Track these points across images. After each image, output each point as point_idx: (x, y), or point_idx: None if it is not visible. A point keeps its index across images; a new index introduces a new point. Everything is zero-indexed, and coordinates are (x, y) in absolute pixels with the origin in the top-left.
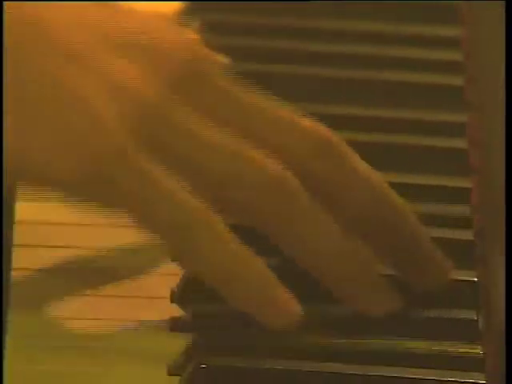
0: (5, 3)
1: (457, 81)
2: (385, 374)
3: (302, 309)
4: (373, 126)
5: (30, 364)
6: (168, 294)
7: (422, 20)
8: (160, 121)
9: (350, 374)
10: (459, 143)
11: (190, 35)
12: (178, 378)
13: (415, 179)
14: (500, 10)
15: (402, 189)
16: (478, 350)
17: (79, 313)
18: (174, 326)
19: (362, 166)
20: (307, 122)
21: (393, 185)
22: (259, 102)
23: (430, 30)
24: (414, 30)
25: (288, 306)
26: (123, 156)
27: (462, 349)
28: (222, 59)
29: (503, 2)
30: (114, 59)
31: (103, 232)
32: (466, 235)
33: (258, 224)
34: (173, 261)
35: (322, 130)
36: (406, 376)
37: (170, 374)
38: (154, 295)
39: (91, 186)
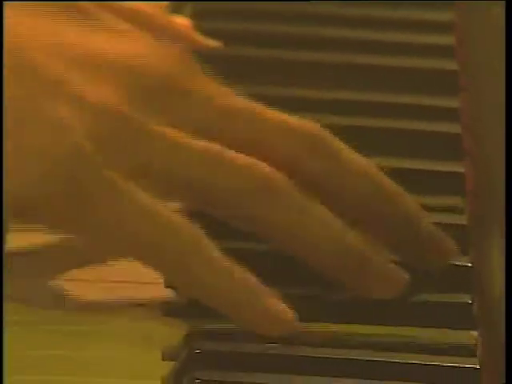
0: (5, 3)
1: (450, 65)
2: (377, 359)
3: (296, 318)
4: (366, 110)
5: (28, 349)
6: (162, 279)
7: (415, 4)
8: (129, 127)
9: (343, 358)
10: (453, 128)
11: (168, 49)
12: (172, 363)
13: (408, 164)
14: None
15: (396, 174)
16: (472, 336)
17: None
18: (168, 310)
19: (355, 158)
20: (295, 120)
21: (386, 170)
22: (242, 105)
23: (423, 14)
24: (408, 14)
25: (282, 316)
26: (87, 162)
27: (456, 334)
28: (214, 44)
29: (503, 2)
30: (88, 82)
31: None
32: (461, 220)
33: (251, 226)
34: (166, 286)
35: (312, 126)
36: (399, 361)
37: (165, 359)
38: (147, 280)
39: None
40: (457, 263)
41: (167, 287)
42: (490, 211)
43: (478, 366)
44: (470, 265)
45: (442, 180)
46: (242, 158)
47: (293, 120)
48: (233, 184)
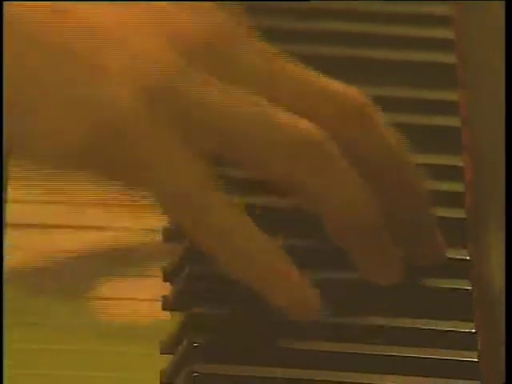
0: (5, 3)
1: (449, 59)
2: (376, 353)
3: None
4: None
5: (27, 343)
6: (160, 273)
7: None
8: (183, 80)
9: (342, 352)
10: (452, 121)
11: (217, 15)
12: (170, 356)
13: None
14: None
15: None
16: (470, 329)
17: (72, 292)
18: (166, 304)
19: (390, 133)
20: (338, 86)
21: None
22: (288, 68)
23: (422, 7)
24: (407, 7)
25: (305, 294)
26: (132, 119)
27: (454, 327)
28: None
29: (503, 2)
30: (136, 36)
31: (94, 212)
32: (459, 213)
33: (289, 183)
34: (165, 281)
35: (354, 93)
36: (398, 354)
37: (163, 352)
38: (146, 274)
39: (95, 156)
40: (455, 256)
41: (166, 281)
42: (489, 205)
43: (476, 359)
44: (468, 258)
45: (441, 173)
46: (284, 115)
47: (336, 85)
48: (275, 138)
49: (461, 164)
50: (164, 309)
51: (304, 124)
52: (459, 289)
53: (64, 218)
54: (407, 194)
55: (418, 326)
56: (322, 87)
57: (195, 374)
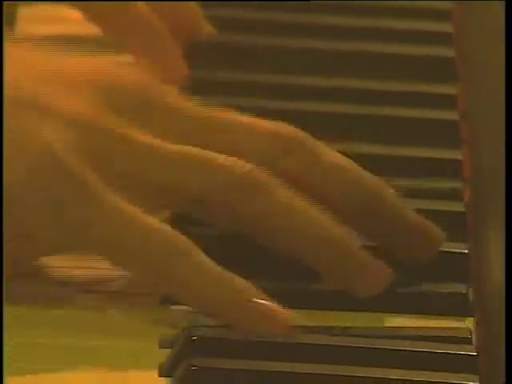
0: (4, 3)
1: (448, 52)
2: (372, 346)
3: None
4: (363, 98)
5: (27, 338)
6: None
7: None
8: (106, 136)
9: (341, 346)
10: (450, 115)
11: (138, 73)
12: (169, 350)
13: (406, 152)
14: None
15: (393, 162)
16: (470, 323)
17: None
18: (165, 298)
19: (334, 156)
20: (271, 124)
21: (384, 157)
22: (217, 114)
23: (421, 1)
24: (406, 1)
25: (279, 318)
26: (77, 184)
27: (454, 321)
28: (210, 30)
29: (503, 2)
30: (67, 100)
31: None
32: (458, 207)
33: (236, 224)
34: (150, 292)
35: (287, 128)
36: (395, 348)
37: (161, 346)
38: None
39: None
40: (454, 250)
41: None
42: (489, 200)
43: (475, 353)
44: (466, 251)
45: (440, 167)
46: (222, 157)
47: (267, 123)
48: (215, 181)
49: (460, 158)
50: (162, 302)
51: (242, 163)
52: (458, 284)
53: None
54: (373, 209)
55: (417, 320)
56: (257, 128)
57: (194, 368)
